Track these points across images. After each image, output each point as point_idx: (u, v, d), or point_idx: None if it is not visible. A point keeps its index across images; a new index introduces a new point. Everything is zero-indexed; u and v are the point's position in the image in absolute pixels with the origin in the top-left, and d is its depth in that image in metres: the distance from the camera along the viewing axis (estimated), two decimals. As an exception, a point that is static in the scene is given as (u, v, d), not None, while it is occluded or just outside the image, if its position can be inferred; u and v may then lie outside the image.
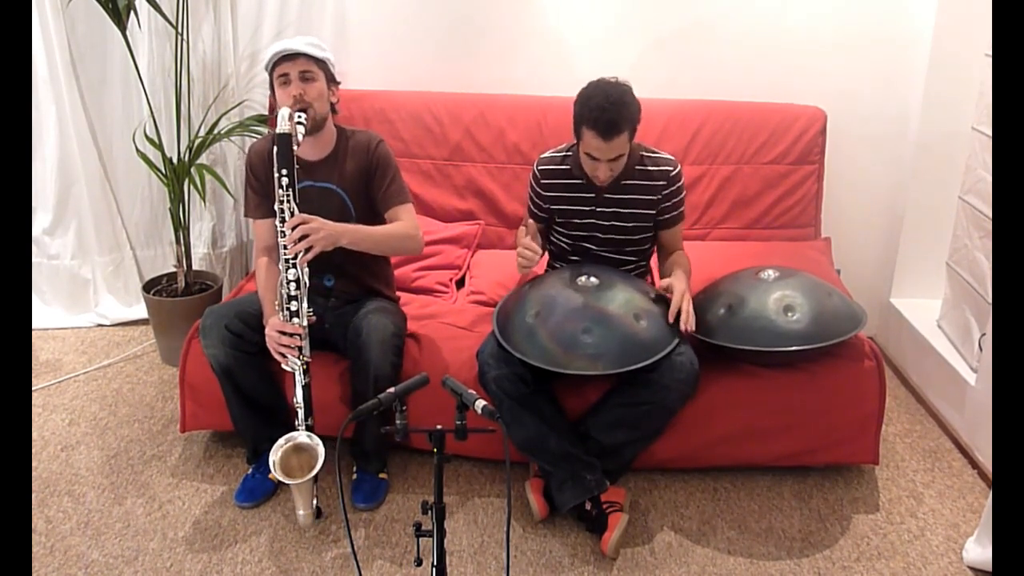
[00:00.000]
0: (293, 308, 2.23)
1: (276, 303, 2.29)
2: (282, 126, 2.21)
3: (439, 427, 1.61)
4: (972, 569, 2.19)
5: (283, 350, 2.24)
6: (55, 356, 3.26)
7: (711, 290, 2.49)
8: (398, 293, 2.70)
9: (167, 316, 3.16)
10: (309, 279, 2.24)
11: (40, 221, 3.42)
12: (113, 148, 3.39)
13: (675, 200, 2.45)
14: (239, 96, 3.32)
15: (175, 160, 3.11)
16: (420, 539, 1.68)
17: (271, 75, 2.34)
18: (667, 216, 2.47)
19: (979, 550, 2.18)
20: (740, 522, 2.37)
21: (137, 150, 3.14)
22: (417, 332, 2.53)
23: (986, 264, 2.68)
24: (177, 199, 3.12)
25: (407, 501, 2.43)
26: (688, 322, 2.26)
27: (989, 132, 2.68)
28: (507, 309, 2.39)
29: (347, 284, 2.50)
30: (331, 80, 2.39)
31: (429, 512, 1.64)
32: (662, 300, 2.34)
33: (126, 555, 2.21)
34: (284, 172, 2.21)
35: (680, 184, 2.44)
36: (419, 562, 1.75)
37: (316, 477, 2.18)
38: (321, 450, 2.16)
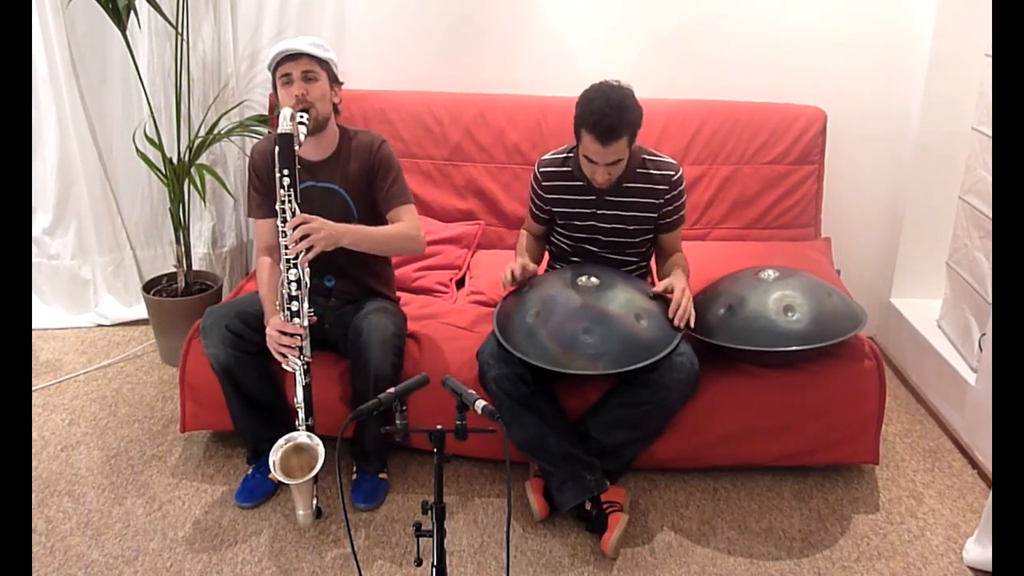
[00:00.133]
0: (294, 308, 2.23)
1: (277, 303, 2.29)
2: (284, 126, 2.21)
3: (439, 427, 1.61)
4: (972, 569, 2.19)
5: (284, 350, 2.24)
6: (55, 356, 3.26)
7: (711, 290, 2.49)
8: (398, 293, 2.70)
9: (167, 316, 3.16)
10: (310, 279, 2.24)
11: (40, 221, 3.42)
12: (113, 148, 3.39)
13: (676, 204, 2.45)
14: (239, 96, 3.32)
15: (175, 160, 3.11)
16: (420, 539, 1.68)
17: (273, 75, 2.34)
18: (668, 220, 2.47)
19: (979, 550, 2.18)
20: (740, 522, 2.37)
21: (137, 150, 3.14)
22: (417, 332, 2.53)
23: (986, 264, 2.68)
24: (177, 199, 3.12)
25: (407, 501, 2.43)
26: (684, 318, 2.26)
27: (989, 132, 2.68)
28: (507, 309, 2.39)
29: (347, 284, 2.50)
30: (334, 80, 2.39)
31: (429, 512, 1.64)
32: (662, 299, 2.34)
33: (126, 555, 2.21)
34: (285, 172, 2.21)
35: (681, 188, 2.44)
36: (419, 562, 1.75)
37: (316, 477, 2.18)
38: (321, 450, 2.16)
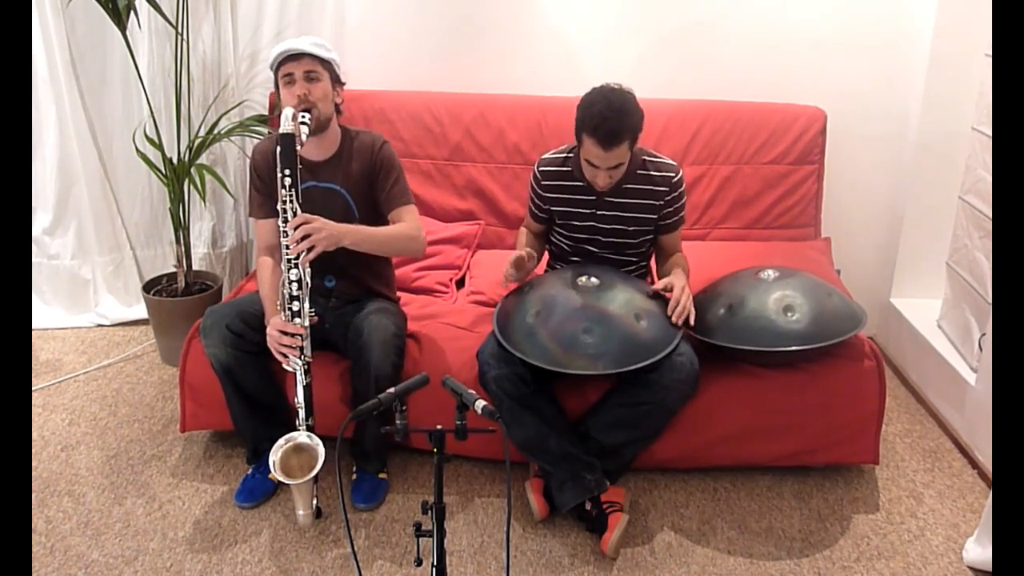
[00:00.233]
0: (295, 308, 2.23)
1: (278, 303, 2.29)
2: (286, 126, 2.20)
3: (439, 427, 1.61)
4: (972, 569, 2.19)
5: (284, 350, 2.24)
6: (55, 356, 3.26)
7: (711, 290, 2.49)
8: (398, 293, 2.70)
9: (167, 316, 3.16)
10: (310, 280, 2.24)
11: (40, 221, 3.42)
12: (113, 148, 3.39)
13: (676, 206, 2.45)
14: (239, 96, 3.32)
15: (175, 160, 3.11)
16: (420, 539, 1.68)
17: (276, 74, 2.34)
18: (668, 221, 2.47)
19: (979, 550, 2.18)
20: (740, 522, 2.37)
21: (137, 150, 3.14)
22: (417, 332, 2.53)
23: (986, 264, 2.68)
24: (177, 199, 3.12)
25: (407, 501, 2.43)
26: (683, 315, 2.27)
27: (989, 132, 2.68)
28: (507, 309, 2.39)
29: (348, 285, 2.50)
30: (336, 81, 2.39)
31: (429, 512, 1.64)
32: (662, 300, 2.34)
33: (126, 555, 2.21)
34: (287, 172, 2.21)
35: (681, 190, 2.44)
36: (419, 562, 1.75)
37: (316, 477, 2.18)
38: (321, 450, 2.16)
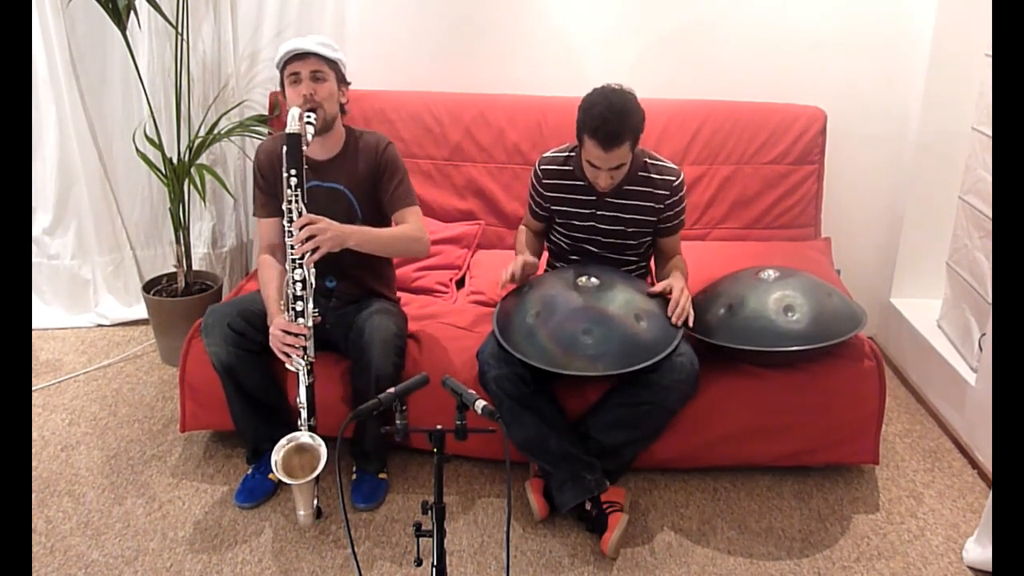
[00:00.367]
0: (298, 308, 2.23)
1: (281, 303, 2.29)
2: (292, 126, 2.21)
3: (439, 427, 1.61)
4: (972, 569, 2.19)
5: (288, 349, 2.24)
6: (55, 356, 3.26)
7: (711, 290, 2.49)
8: (398, 293, 2.70)
9: (167, 316, 3.16)
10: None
11: (40, 221, 3.42)
12: (113, 148, 3.39)
13: (677, 209, 2.46)
14: (239, 96, 3.32)
15: (175, 160, 3.11)
16: (420, 539, 1.68)
17: (281, 73, 2.34)
18: (668, 224, 2.48)
19: (979, 550, 2.18)
20: (740, 522, 2.37)
21: (137, 150, 3.14)
22: (417, 332, 2.53)
23: (986, 264, 2.68)
24: (177, 199, 3.12)
25: (407, 501, 2.43)
26: (682, 317, 2.27)
27: (989, 132, 2.68)
28: (507, 309, 2.39)
29: (349, 285, 2.50)
30: (341, 81, 2.39)
31: (429, 512, 1.64)
32: (662, 300, 2.34)
33: (126, 555, 2.21)
34: (293, 172, 2.21)
35: (682, 194, 2.44)
36: (419, 562, 1.75)
37: (317, 478, 2.18)
38: (323, 451, 2.16)
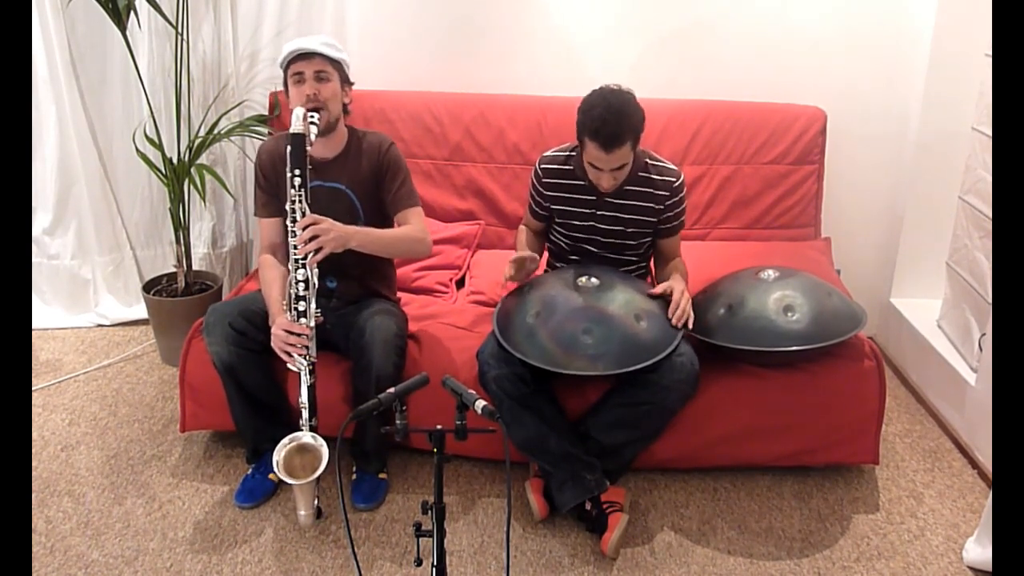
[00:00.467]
0: (301, 308, 2.23)
1: (284, 303, 2.29)
2: (296, 126, 2.21)
3: (439, 427, 1.61)
4: (972, 569, 2.19)
5: (290, 349, 2.24)
6: (55, 356, 3.26)
7: (711, 290, 2.49)
8: (398, 294, 2.70)
9: (167, 316, 3.16)
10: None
11: (40, 221, 3.42)
12: (113, 148, 3.39)
13: (677, 211, 2.46)
14: (239, 96, 3.32)
15: (175, 160, 3.11)
16: (420, 539, 1.68)
17: (285, 72, 2.34)
18: (668, 226, 2.48)
19: (979, 550, 2.18)
20: (740, 522, 2.37)
21: (137, 150, 3.14)
22: (417, 332, 2.53)
23: (986, 264, 2.68)
24: (177, 199, 3.12)
25: (407, 501, 2.43)
26: (682, 319, 2.27)
27: (989, 132, 2.68)
28: (507, 309, 2.39)
29: (350, 286, 2.50)
30: (345, 81, 2.39)
31: (429, 512, 1.64)
32: (662, 300, 2.34)
33: (126, 555, 2.21)
34: (297, 172, 2.21)
35: (682, 195, 2.44)
36: (419, 562, 1.75)
37: (318, 478, 2.18)
38: (325, 451, 2.16)
